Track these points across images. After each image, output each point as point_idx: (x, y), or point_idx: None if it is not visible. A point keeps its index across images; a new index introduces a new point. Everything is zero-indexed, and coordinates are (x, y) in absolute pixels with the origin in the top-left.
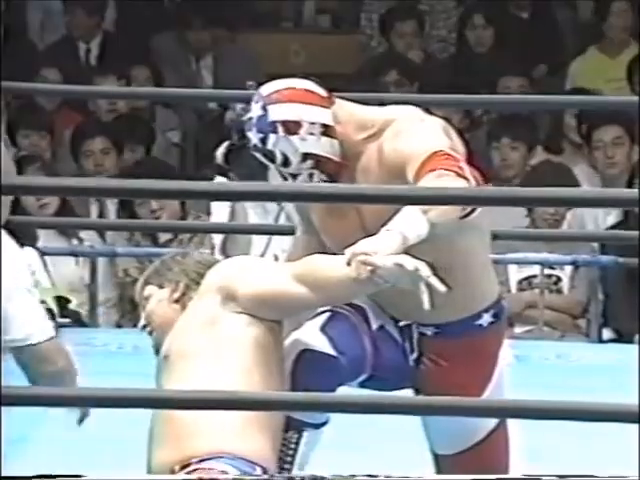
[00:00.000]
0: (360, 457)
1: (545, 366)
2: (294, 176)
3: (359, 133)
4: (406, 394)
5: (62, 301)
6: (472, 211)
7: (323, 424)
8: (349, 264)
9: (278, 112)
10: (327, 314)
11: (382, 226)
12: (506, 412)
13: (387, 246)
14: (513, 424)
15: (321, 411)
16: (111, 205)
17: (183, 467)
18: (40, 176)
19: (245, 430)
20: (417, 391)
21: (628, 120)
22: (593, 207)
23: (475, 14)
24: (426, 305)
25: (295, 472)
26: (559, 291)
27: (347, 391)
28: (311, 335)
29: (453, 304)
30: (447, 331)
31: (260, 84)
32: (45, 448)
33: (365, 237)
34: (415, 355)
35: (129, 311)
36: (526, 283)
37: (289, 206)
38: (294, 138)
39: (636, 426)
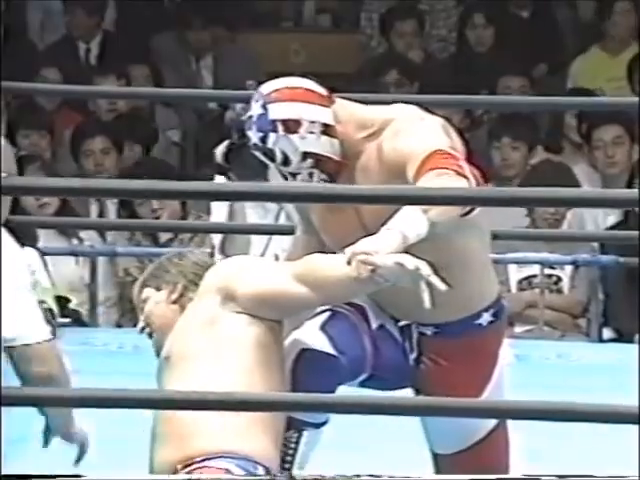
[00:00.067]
0: (360, 457)
1: (545, 366)
2: (294, 175)
3: (359, 132)
4: (406, 394)
5: (62, 301)
6: (472, 209)
7: (323, 424)
8: (349, 263)
9: (278, 111)
10: (327, 313)
11: (382, 225)
12: (506, 413)
13: (387, 245)
14: (513, 424)
15: (321, 411)
16: (111, 205)
17: (185, 466)
18: (40, 176)
19: (248, 429)
20: (417, 391)
21: (628, 120)
22: (593, 207)
23: (475, 13)
24: (427, 304)
25: (295, 472)
26: (559, 291)
27: (347, 391)
28: (311, 334)
29: (453, 303)
30: (447, 330)
31: (260, 84)
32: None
33: (365, 236)
34: (415, 354)
35: (129, 311)
36: (526, 283)
37: (289, 206)
38: (294, 137)
39: (636, 426)
